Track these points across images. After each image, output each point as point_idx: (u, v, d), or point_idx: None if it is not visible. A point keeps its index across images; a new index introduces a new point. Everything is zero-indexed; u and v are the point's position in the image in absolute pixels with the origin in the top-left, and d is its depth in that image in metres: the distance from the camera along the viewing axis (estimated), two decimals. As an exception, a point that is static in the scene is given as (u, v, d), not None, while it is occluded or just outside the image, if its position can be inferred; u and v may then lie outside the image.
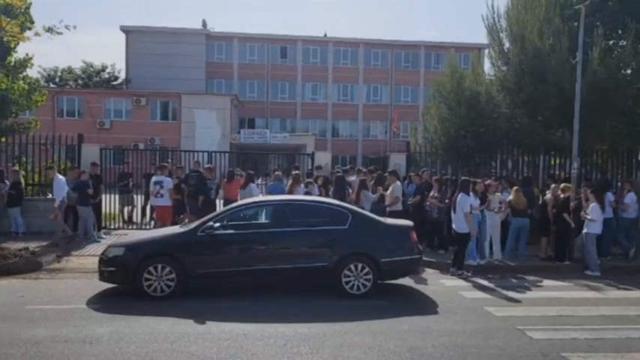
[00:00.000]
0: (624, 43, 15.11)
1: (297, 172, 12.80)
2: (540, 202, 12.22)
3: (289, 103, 48.51)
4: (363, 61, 49.21)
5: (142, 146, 29.67)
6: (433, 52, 48.94)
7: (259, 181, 16.42)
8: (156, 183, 12.05)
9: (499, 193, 11.32)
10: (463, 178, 10.74)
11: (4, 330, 6.22)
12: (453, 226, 10.07)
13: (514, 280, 9.67)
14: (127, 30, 45.27)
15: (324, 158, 16.09)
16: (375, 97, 49.91)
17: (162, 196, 11.98)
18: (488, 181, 11.41)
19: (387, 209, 11.20)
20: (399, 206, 11.39)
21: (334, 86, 49.22)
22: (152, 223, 14.08)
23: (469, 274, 9.83)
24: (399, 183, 11.79)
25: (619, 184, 13.26)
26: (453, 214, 10.07)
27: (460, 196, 9.87)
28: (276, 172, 13.51)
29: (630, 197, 11.66)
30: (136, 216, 15.37)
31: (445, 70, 18.18)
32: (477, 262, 10.54)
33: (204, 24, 48.01)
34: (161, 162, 14.61)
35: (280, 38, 48.02)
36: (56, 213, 11.51)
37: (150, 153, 18.47)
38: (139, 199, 15.61)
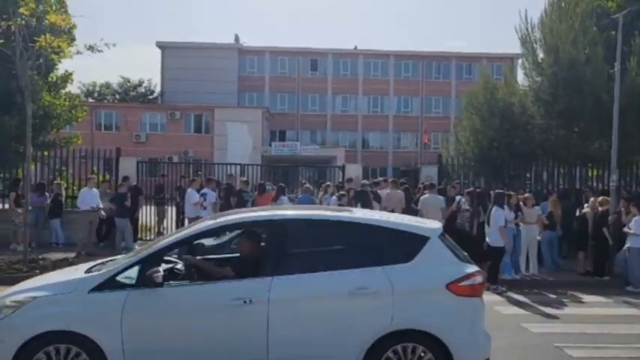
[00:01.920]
0: (664, 52, 14.76)
1: (327, 183, 12.96)
2: (578, 215, 11.94)
3: (319, 115, 48.76)
4: (394, 72, 49.15)
5: (175, 159, 30.28)
6: (464, 62, 48.55)
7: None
8: (201, 195, 12.33)
9: (537, 207, 11.07)
10: (497, 190, 10.59)
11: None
12: (487, 239, 9.91)
13: (551, 296, 9.45)
14: (162, 46, 46.46)
15: (354, 171, 16.11)
16: (405, 109, 49.73)
17: (205, 208, 12.22)
18: (526, 195, 11.24)
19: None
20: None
21: (364, 98, 49.28)
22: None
23: (504, 289, 9.66)
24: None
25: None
26: (487, 227, 9.91)
27: (494, 210, 9.72)
28: (306, 185, 13.60)
29: None
30: (170, 227, 15.65)
31: (477, 81, 18.08)
32: (512, 277, 10.35)
33: (236, 38, 48.87)
34: (194, 174, 14.89)
35: (311, 51, 48.45)
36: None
37: (183, 166, 18.88)
38: (170, 211, 15.92)
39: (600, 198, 11.15)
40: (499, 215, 9.67)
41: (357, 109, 49.21)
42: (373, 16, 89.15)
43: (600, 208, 10.79)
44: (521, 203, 10.92)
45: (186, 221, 14.01)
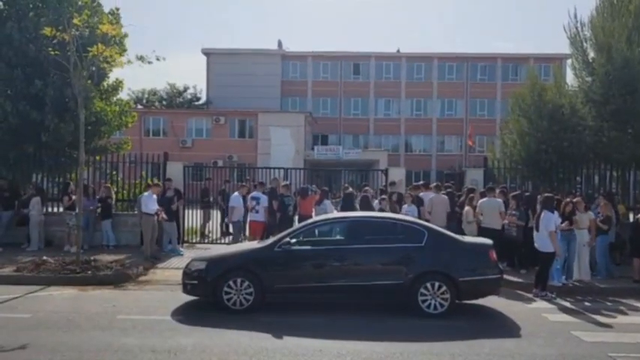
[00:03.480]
0: None
1: (366, 188, 12.95)
2: (632, 220, 11.43)
3: (362, 119, 48.69)
4: (437, 75, 48.58)
5: (220, 163, 30.88)
6: (510, 63, 47.48)
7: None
8: (253, 199, 12.57)
9: (590, 212, 10.67)
10: (546, 194, 10.27)
11: (99, 338, 6.66)
12: (536, 245, 9.62)
13: (604, 304, 9.07)
14: (207, 52, 47.57)
15: (398, 174, 15.96)
16: (449, 112, 49.02)
17: (257, 212, 12.43)
18: (576, 199, 10.87)
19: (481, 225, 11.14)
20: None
21: (407, 101, 48.90)
22: (229, 237, 14.55)
23: (553, 296, 9.34)
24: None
25: None
26: (535, 232, 9.62)
27: (544, 214, 9.44)
28: (349, 190, 13.58)
29: None
30: (214, 231, 15.96)
31: (524, 83, 17.61)
32: (562, 283, 10.00)
33: (279, 44, 49.48)
34: (239, 179, 15.14)
35: (353, 55, 48.49)
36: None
37: (228, 170, 19.21)
38: (214, 215, 16.23)
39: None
40: (549, 219, 9.38)
41: (400, 113, 48.88)
42: (416, 18, 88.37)
43: (656, 213, 10.30)
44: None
45: (230, 226, 14.27)
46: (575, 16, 15.61)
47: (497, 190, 12.01)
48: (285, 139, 38.32)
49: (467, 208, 11.64)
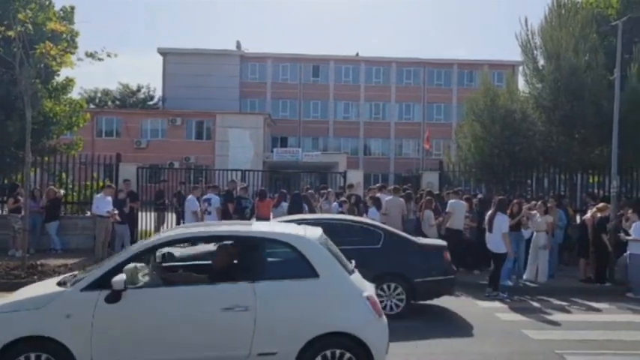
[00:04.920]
0: (664, 58, 14.76)
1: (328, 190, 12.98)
2: (579, 222, 11.89)
3: (321, 121, 48.82)
4: (395, 79, 49.26)
5: (177, 165, 30.30)
6: (466, 69, 48.65)
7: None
8: (205, 200, 12.36)
9: (548, 215, 10.99)
10: (500, 197, 10.56)
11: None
12: (489, 246, 9.87)
13: (552, 302, 9.38)
14: (164, 52, 46.63)
15: (356, 177, 16.09)
16: (407, 115, 49.77)
17: (209, 213, 12.23)
18: (538, 202, 11.26)
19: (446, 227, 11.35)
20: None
21: (366, 104, 49.36)
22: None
23: (505, 296, 9.60)
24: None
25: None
26: (488, 233, 9.87)
27: (498, 216, 9.70)
28: (309, 191, 13.60)
29: None
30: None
31: (478, 88, 18.06)
32: (513, 283, 10.29)
33: (238, 45, 49.04)
34: (195, 181, 14.90)
35: (312, 57, 48.58)
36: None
37: (184, 171, 18.88)
38: (169, 217, 15.91)
39: (600, 204, 11.10)
40: (503, 221, 9.65)
41: (359, 116, 49.28)
42: (374, 23, 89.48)
43: (600, 215, 10.73)
44: (533, 211, 10.90)
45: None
46: (527, 25, 16.14)
47: (446, 193, 12.38)
48: (243, 141, 37.97)
49: (428, 211, 11.78)
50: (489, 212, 10.04)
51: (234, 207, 12.55)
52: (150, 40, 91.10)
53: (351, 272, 5.23)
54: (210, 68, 45.42)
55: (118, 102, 52.20)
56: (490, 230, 9.76)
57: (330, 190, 13.95)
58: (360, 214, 11.58)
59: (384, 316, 5.05)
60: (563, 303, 9.31)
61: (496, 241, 9.66)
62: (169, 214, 15.92)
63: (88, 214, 13.47)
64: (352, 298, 4.90)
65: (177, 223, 15.81)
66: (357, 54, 50.02)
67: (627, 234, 10.19)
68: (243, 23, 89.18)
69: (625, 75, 13.36)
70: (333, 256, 5.09)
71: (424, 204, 11.85)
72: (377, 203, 12.01)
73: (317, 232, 5.46)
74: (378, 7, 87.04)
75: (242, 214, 12.55)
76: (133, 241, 13.54)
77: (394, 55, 51.40)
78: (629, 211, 10.58)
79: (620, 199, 12.30)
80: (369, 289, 5.25)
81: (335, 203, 12.39)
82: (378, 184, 15.37)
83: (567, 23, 14.96)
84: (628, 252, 10.11)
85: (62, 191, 13.97)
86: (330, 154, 42.62)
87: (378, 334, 4.88)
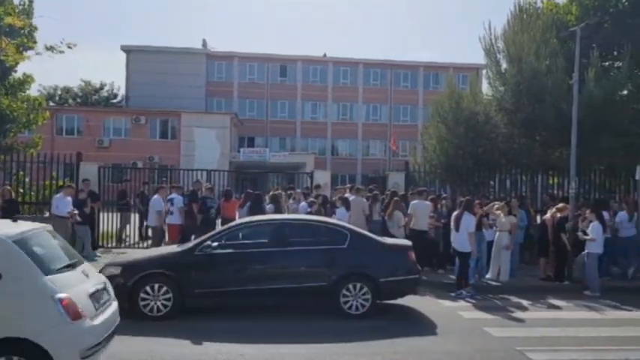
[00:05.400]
0: (620, 64, 15.29)
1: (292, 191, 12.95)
2: (539, 222, 12.20)
3: (289, 121, 48.71)
4: (362, 80, 49.59)
5: (140, 164, 29.71)
6: (432, 72, 49.36)
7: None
8: (168, 200, 12.17)
9: (512, 216, 11.21)
10: (467, 197, 10.76)
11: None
12: (454, 245, 10.04)
13: (513, 301, 9.60)
14: (127, 49, 45.64)
15: (323, 177, 16.10)
16: (374, 116, 50.17)
17: (172, 213, 12.02)
18: (501, 203, 11.48)
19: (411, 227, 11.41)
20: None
21: (334, 105, 49.52)
22: (148, 242, 14.03)
23: (469, 294, 9.77)
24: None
25: (616, 203, 13.23)
26: (455, 233, 10.04)
27: (465, 216, 9.89)
28: (278, 192, 13.52)
29: (621, 216, 11.66)
30: (132, 235, 15.31)
31: (444, 90, 18.31)
32: (475, 282, 10.48)
33: (204, 43, 48.46)
34: (159, 181, 14.63)
35: (280, 57, 48.42)
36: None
37: (147, 171, 18.50)
38: (132, 218, 15.59)
39: (559, 205, 11.42)
40: (469, 221, 9.84)
41: (327, 116, 49.39)
42: (342, 24, 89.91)
43: (559, 215, 11.05)
44: (498, 211, 11.11)
45: (150, 230, 13.77)
46: (490, 29, 16.45)
47: (410, 193, 12.54)
48: (209, 141, 37.51)
49: (398, 213, 11.81)
50: (456, 212, 10.24)
51: (199, 207, 12.38)
52: (114, 37, 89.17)
53: (53, 272, 4.83)
54: (175, 66, 44.71)
55: (79, 100, 50.81)
56: (457, 230, 9.96)
57: (297, 190, 13.93)
58: (328, 215, 11.59)
59: (83, 320, 4.72)
60: (524, 301, 9.53)
61: (462, 240, 9.87)
62: (132, 214, 15.60)
63: (47, 214, 13.03)
64: (38, 300, 4.60)
65: (141, 224, 15.54)
66: (325, 54, 50.13)
67: (585, 234, 10.51)
68: (210, 21, 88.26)
69: (583, 79, 13.77)
70: (26, 256, 4.70)
71: (393, 205, 11.92)
72: (346, 203, 12.04)
73: (16, 229, 5.01)
74: (345, 8, 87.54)
75: (207, 214, 12.39)
76: (94, 242, 13.21)
77: (361, 56, 51.66)
78: (587, 211, 10.92)
79: (578, 200, 12.68)
80: (76, 290, 4.85)
81: (304, 203, 12.35)
82: (348, 185, 15.42)
83: (529, 28, 15.32)
84: (586, 251, 10.43)
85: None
86: (298, 154, 42.59)
87: (65, 338, 4.58)
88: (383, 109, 50.10)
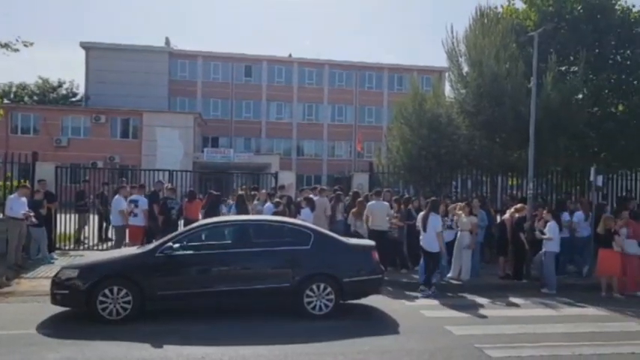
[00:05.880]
0: (575, 69, 15.81)
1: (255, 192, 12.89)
2: (499, 222, 12.49)
3: (254, 122, 48.40)
4: (328, 81, 49.73)
5: (100, 164, 28.98)
6: (396, 74, 49.92)
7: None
8: (131, 202, 11.85)
9: (473, 216, 11.42)
10: (433, 198, 10.97)
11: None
12: (422, 244, 10.18)
13: (474, 299, 9.79)
14: (87, 46, 44.43)
15: (288, 178, 16.06)
16: (339, 117, 50.38)
17: (136, 215, 11.74)
18: (463, 203, 11.69)
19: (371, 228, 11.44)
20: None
21: (299, 106, 49.46)
22: (108, 244, 13.70)
23: (430, 292, 9.93)
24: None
25: (572, 204, 13.66)
26: (423, 233, 10.18)
27: (431, 216, 10.04)
28: (239, 193, 13.41)
29: (577, 216, 12.06)
30: (91, 237, 14.91)
31: (407, 92, 18.53)
32: (437, 281, 10.65)
33: (167, 42, 47.66)
34: (119, 181, 14.30)
35: (245, 57, 48.07)
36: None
37: (107, 172, 18.05)
38: (91, 219, 15.19)
39: (517, 205, 11.73)
40: (436, 221, 10.02)
41: (292, 117, 49.30)
42: (308, 25, 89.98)
43: (517, 215, 11.34)
44: (459, 211, 11.31)
45: (111, 230, 13.45)
46: (452, 32, 16.72)
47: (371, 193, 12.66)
48: (172, 141, 36.89)
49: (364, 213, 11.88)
50: (423, 213, 10.41)
51: (160, 208, 12.14)
52: (73, 34, 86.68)
53: None
54: (137, 65, 43.78)
55: (36, 97, 49.18)
56: (424, 230, 10.13)
57: (262, 191, 13.85)
58: (293, 216, 11.56)
59: None
60: (484, 299, 9.74)
61: (430, 240, 10.06)
62: (91, 215, 15.20)
63: (1, 216, 12.55)
64: None
65: (100, 225, 15.15)
66: (290, 55, 50.05)
67: (542, 233, 10.82)
68: (173, 19, 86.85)
69: (541, 83, 14.18)
70: None
71: (359, 205, 11.99)
72: (311, 204, 12.04)
73: None
74: (311, 8, 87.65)
75: (168, 215, 12.15)
76: (51, 244, 12.79)
77: (327, 57, 51.86)
78: (544, 211, 11.25)
79: (536, 200, 13.04)
80: None
81: (269, 204, 12.28)
82: (314, 186, 15.41)
83: (489, 32, 15.63)
84: (543, 250, 10.73)
85: None
86: (263, 154, 42.37)
87: None
88: (348, 110, 50.37)
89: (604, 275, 10.44)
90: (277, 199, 12.29)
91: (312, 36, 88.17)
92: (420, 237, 10.29)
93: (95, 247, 14.08)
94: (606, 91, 16.85)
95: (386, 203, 11.84)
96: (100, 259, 8.30)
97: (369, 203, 11.79)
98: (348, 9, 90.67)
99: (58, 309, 7.79)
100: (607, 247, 10.36)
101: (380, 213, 11.57)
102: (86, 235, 14.96)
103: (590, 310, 9.17)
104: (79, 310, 7.63)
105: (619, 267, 10.25)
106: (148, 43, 46.17)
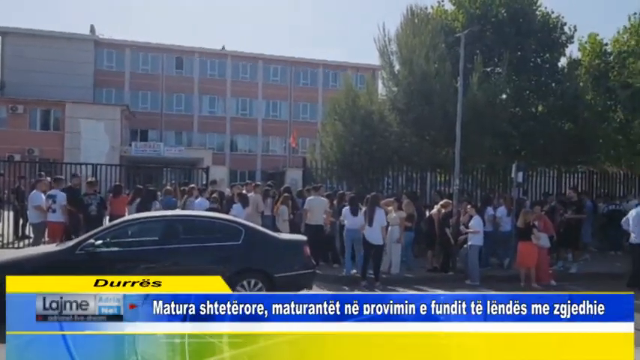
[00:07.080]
0: (500, 70, 16.56)
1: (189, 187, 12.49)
2: (427, 216, 12.86)
3: (185, 115, 47.17)
4: (262, 76, 49.32)
5: (18, 158, 27.20)
6: (331, 70, 50.29)
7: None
8: (49, 197, 11.11)
9: (402, 211, 11.67)
10: (374, 193, 11.23)
11: None
12: (369, 239, 10.34)
13: (402, 291, 10.00)
14: (3, 31, 41.51)
15: (219, 173, 15.76)
16: (274, 113, 50.12)
17: (54, 211, 11.02)
18: (391, 199, 11.93)
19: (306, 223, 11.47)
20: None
21: (233, 100, 48.73)
22: (25, 241, 12.87)
23: (365, 285, 10.14)
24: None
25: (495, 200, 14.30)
26: (368, 227, 10.34)
27: (377, 210, 10.29)
28: (167, 187, 13.00)
29: (500, 211, 12.65)
30: (6, 234, 13.94)
31: (342, 89, 18.69)
32: (354, 273, 10.88)
33: (92, 29, 45.42)
34: (37, 175, 13.45)
35: (176, 49, 46.71)
36: None
37: (27, 165, 16.97)
38: (5, 216, 14.21)
39: (443, 201, 12.14)
40: (381, 215, 10.34)
41: (226, 111, 48.50)
42: (241, 17, 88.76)
43: (443, 210, 11.74)
44: (389, 207, 11.54)
45: (29, 228, 12.66)
46: (384, 30, 16.99)
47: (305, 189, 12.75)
48: (98, 134, 35.22)
49: (283, 207, 12.00)
50: (366, 208, 10.61)
51: (78, 204, 11.48)
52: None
53: None
54: (59, 53, 41.39)
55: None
56: (370, 224, 10.32)
57: (192, 185, 13.50)
58: (225, 211, 11.33)
59: None
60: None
61: (377, 234, 10.31)
62: (6, 211, 14.19)
63: None
64: None
65: (16, 221, 14.22)
66: (223, 47, 49.16)
67: (466, 227, 11.25)
68: (100, 6, 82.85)
69: (468, 83, 14.72)
70: None
71: (281, 200, 12.05)
72: (243, 200, 11.86)
73: None
74: (246, 2, 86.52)
75: (86, 211, 11.50)
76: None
77: (263, 50, 51.44)
78: (468, 206, 11.72)
79: (462, 196, 13.55)
80: None
81: (200, 199, 11.97)
82: (246, 182, 15.21)
83: (420, 32, 16.00)
84: (468, 243, 11.16)
85: None
86: (195, 149, 41.44)
87: None
88: (283, 105, 50.21)
89: (522, 267, 11.00)
90: (214, 195, 12.04)
91: (248, 27, 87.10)
92: (364, 231, 10.43)
93: (10, 246, 13.18)
94: (527, 92, 17.73)
95: (324, 199, 11.90)
96: (12, 258, 7.74)
97: (308, 198, 11.82)
98: (282, 3, 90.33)
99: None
100: (526, 240, 10.91)
101: (318, 208, 11.60)
102: (0, 232, 13.95)
103: (511, 300, 9.60)
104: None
105: (536, 259, 10.85)
106: (72, 31, 43.75)
